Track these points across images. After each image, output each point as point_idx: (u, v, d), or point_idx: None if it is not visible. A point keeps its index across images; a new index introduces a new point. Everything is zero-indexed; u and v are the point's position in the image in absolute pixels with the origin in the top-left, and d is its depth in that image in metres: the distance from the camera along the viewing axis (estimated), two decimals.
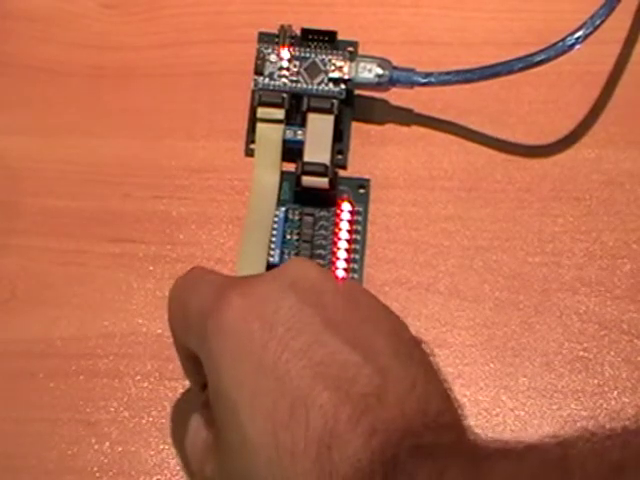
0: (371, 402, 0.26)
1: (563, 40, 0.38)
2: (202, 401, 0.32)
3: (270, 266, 0.39)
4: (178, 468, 0.37)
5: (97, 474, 0.37)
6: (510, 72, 0.39)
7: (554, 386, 0.38)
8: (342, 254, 0.40)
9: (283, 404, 0.27)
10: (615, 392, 0.38)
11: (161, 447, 0.38)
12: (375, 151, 0.42)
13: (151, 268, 0.40)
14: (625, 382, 0.39)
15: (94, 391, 0.38)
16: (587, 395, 0.38)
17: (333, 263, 0.39)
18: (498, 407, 0.38)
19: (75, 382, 0.38)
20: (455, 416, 0.28)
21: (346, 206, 0.40)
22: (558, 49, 0.38)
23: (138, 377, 0.39)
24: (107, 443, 0.38)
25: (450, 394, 0.28)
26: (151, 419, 0.38)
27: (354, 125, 0.42)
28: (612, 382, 0.39)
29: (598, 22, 0.38)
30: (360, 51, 0.42)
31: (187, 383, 0.38)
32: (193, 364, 0.32)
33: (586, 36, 0.38)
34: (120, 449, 0.38)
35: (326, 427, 0.26)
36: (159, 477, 0.37)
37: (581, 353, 0.39)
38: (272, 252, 0.39)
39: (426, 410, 0.27)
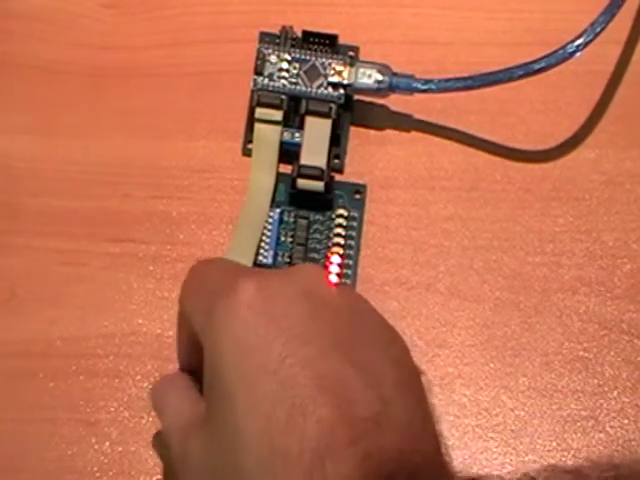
0: (369, 427, 0.26)
1: (564, 47, 0.38)
2: (182, 375, 0.33)
3: (260, 267, 0.39)
4: None
5: (97, 474, 0.37)
6: (510, 79, 0.39)
7: (554, 386, 0.39)
8: (335, 259, 0.39)
9: (281, 408, 0.26)
10: (615, 392, 0.38)
11: None
12: (375, 151, 0.42)
13: (151, 268, 0.40)
14: (625, 382, 0.39)
15: (94, 391, 0.38)
16: (587, 395, 0.38)
17: (326, 267, 0.39)
18: (498, 407, 0.38)
19: (75, 382, 0.38)
20: (444, 462, 0.28)
21: (341, 211, 0.40)
22: (559, 57, 0.38)
23: (138, 377, 0.39)
24: (107, 443, 0.38)
25: (441, 437, 0.29)
26: (151, 419, 0.38)
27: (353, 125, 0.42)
28: (612, 382, 0.39)
29: (598, 29, 0.38)
30: (360, 51, 0.42)
31: None
32: (188, 344, 0.32)
33: (586, 43, 0.38)
34: (120, 449, 0.38)
35: (322, 441, 0.26)
36: (159, 477, 0.37)
37: (581, 353, 0.39)
38: (265, 253, 0.39)
39: (420, 450, 0.27)
